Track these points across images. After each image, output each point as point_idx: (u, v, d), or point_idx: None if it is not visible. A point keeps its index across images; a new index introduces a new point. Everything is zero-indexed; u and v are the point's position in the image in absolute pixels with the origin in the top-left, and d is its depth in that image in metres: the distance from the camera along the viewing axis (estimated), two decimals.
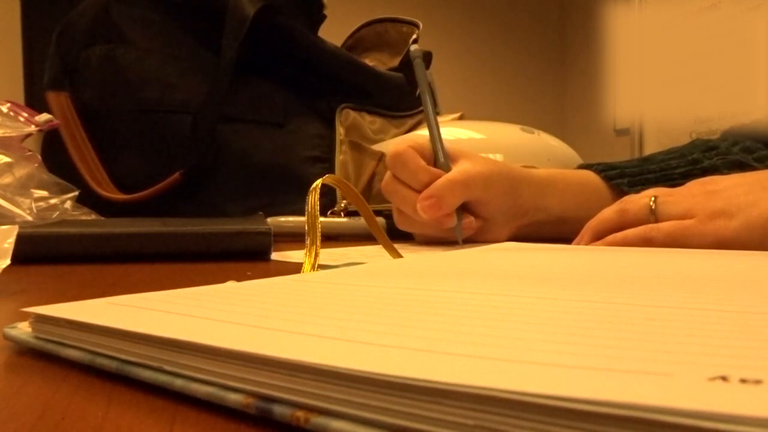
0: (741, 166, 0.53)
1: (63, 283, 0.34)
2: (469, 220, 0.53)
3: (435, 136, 0.54)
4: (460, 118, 0.96)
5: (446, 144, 0.55)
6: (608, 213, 0.45)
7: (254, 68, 0.77)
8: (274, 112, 0.78)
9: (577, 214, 0.54)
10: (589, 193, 0.57)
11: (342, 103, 0.80)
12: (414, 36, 0.91)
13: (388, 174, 0.53)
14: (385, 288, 0.22)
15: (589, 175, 0.58)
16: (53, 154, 0.71)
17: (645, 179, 0.55)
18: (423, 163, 0.51)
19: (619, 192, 0.55)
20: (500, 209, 0.54)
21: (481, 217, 0.54)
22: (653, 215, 0.43)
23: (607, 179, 0.57)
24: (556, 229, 0.56)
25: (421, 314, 0.17)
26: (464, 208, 0.53)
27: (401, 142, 0.53)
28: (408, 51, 0.89)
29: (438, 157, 0.53)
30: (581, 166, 0.60)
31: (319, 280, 0.24)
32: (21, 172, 0.53)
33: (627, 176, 0.56)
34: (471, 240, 0.56)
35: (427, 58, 0.90)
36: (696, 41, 2.78)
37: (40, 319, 0.18)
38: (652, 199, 0.43)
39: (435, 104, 0.64)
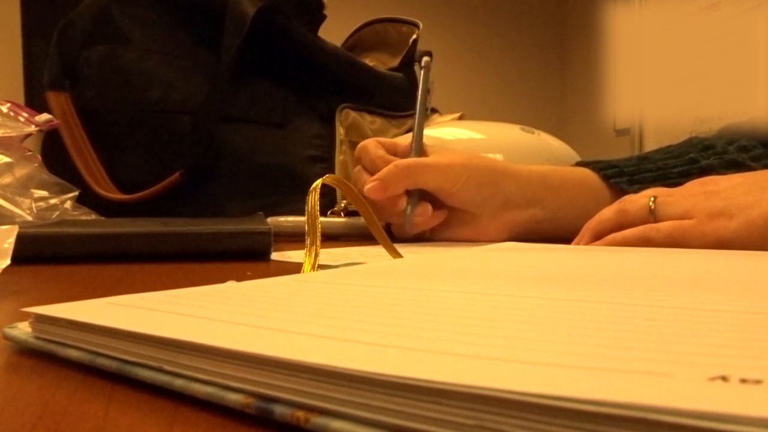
0: (738, 166, 0.53)
1: (63, 283, 0.34)
2: (424, 209, 0.54)
3: (417, 133, 0.58)
4: (460, 118, 0.96)
5: (432, 142, 0.59)
6: (608, 213, 0.45)
7: (254, 68, 0.77)
8: (274, 112, 0.78)
9: (574, 212, 0.54)
10: (586, 190, 0.57)
11: (342, 103, 0.80)
12: (414, 36, 0.91)
13: (358, 166, 0.58)
14: (385, 288, 0.22)
15: (586, 173, 0.58)
16: (53, 154, 0.71)
17: (643, 178, 0.55)
18: (382, 152, 0.56)
19: (617, 190, 0.55)
20: (475, 200, 0.55)
21: (457, 208, 0.56)
22: (653, 215, 0.43)
23: (606, 178, 0.57)
24: (555, 227, 0.56)
25: (421, 314, 0.17)
26: (431, 200, 0.55)
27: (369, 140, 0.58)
28: (408, 51, 0.90)
29: (413, 150, 0.57)
30: (578, 164, 0.61)
31: (319, 280, 0.24)
32: (21, 172, 0.53)
33: (626, 175, 0.56)
34: (469, 239, 0.56)
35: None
36: (696, 41, 2.78)
37: (40, 319, 0.18)
38: (652, 199, 0.43)
39: (426, 109, 0.70)
